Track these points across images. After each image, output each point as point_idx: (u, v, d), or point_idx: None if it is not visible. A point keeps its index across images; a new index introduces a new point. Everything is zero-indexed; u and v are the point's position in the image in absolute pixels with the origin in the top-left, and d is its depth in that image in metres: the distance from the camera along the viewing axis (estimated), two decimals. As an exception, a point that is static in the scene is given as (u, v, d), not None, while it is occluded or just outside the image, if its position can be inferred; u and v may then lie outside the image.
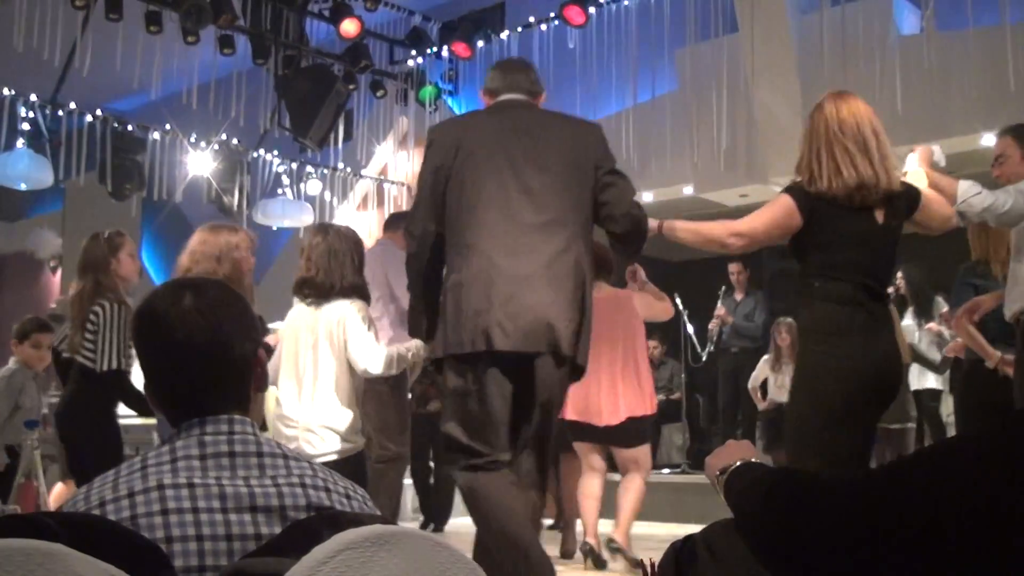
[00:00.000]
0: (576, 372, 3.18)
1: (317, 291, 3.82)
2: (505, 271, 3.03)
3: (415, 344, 3.82)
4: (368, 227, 11.31)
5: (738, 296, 8.77)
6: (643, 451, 5.18)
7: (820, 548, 1.06)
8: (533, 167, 3.19)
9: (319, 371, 3.77)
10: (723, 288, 8.80)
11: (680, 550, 1.44)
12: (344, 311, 3.79)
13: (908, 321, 6.78)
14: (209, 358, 1.45)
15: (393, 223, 5.36)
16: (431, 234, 3.22)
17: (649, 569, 1.91)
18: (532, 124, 3.34)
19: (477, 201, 3.13)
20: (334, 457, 3.71)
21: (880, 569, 0.98)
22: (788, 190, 3.38)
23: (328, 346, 3.77)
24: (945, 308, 6.30)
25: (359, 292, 3.86)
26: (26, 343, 5.64)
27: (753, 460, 1.41)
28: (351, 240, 3.93)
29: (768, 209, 3.38)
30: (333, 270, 3.81)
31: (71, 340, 4.10)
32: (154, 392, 1.49)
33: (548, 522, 6.32)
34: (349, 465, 3.69)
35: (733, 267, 8.61)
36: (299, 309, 3.90)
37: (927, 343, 6.76)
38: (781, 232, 3.34)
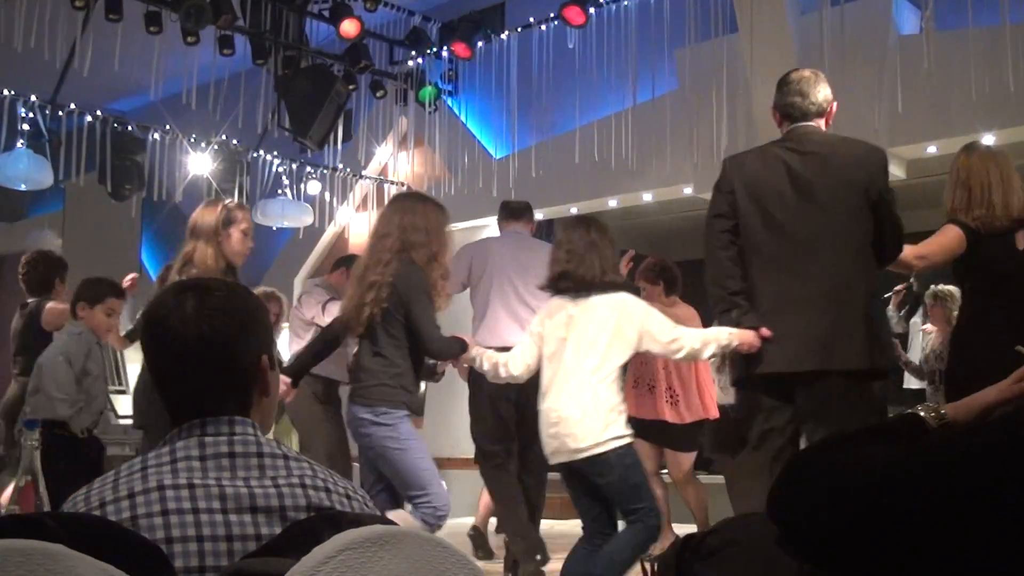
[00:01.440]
0: None
1: (577, 284, 3.76)
2: None
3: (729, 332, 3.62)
4: (367, 228, 11.32)
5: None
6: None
7: (844, 532, 1.06)
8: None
9: (585, 364, 3.70)
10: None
11: (681, 550, 1.44)
12: (625, 302, 3.75)
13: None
14: (208, 361, 1.45)
15: (339, 265, 6.00)
16: None
17: (644, 569, 1.91)
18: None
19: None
20: (601, 450, 3.63)
21: (906, 552, 0.99)
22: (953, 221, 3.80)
23: (595, 338, 3.70)
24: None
25: (625, 286, 3.88)
26: (99, 307, 5.04)
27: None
28: (609, 235, 3.89)
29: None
30: (595, 263, 3.76)
31: None
32: (160, 393, 1.50)
33: None
34: (615, 458, 3.64)
35: None
36: (559, 302, 3.84)
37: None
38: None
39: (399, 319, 3.82)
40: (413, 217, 3.92)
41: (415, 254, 3.85)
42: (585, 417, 3.65)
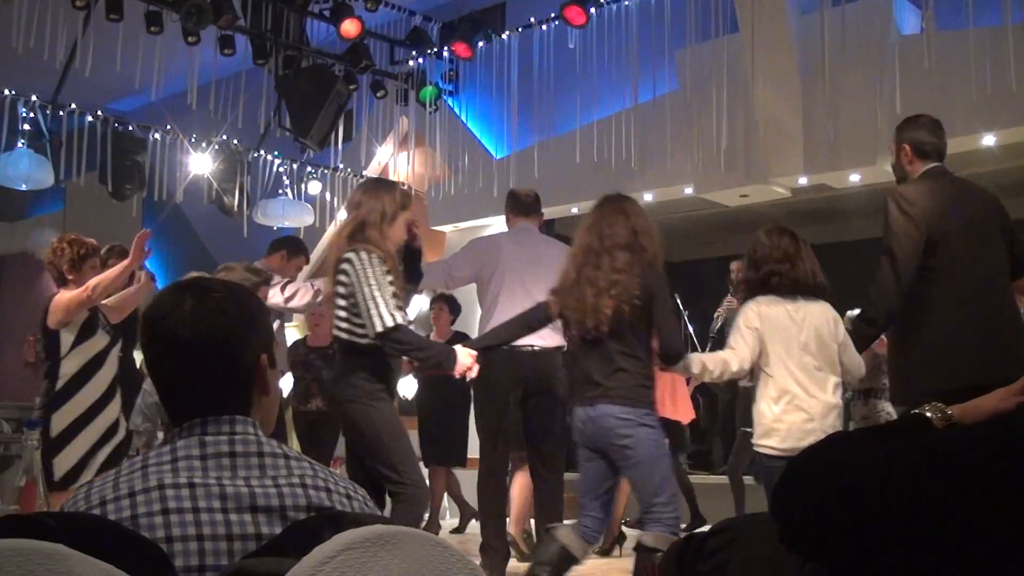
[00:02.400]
0: None
1: (791, 286, 3.88)
2: None
3: None
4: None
5: (739, 294, 8.74)
6: None
7: (842, 527, 1.06)
8: None
9: (815, 365, 3.82)
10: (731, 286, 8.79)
11: (681, 549, 1.44)
12: (832, 312, 3.90)
13: None
14: (208, 361, 1.45)
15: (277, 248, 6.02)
16: None
17: (644, 569, 1.91)
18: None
19: None
20: None
21: (908, 549, 0.98)
22: None
23: (818, 342, 3.83)
24: None
25: (825, 292, 3.97)
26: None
27: None
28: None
29: None
30: (807, 268, 3.89)
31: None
32: (160, 394, 1.51)
33: None
34: None
35: (734, 265, 8.59)
36: (772, 300, 3.89)
37: None
38: None
39: (645, 320, 3.81)
40: (643, 221, 3.93)
41: (648, 257, 3.85)
42: (827, 416, 3.81)
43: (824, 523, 1.08)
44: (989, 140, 7.39)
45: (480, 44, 9.60)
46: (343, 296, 3.83)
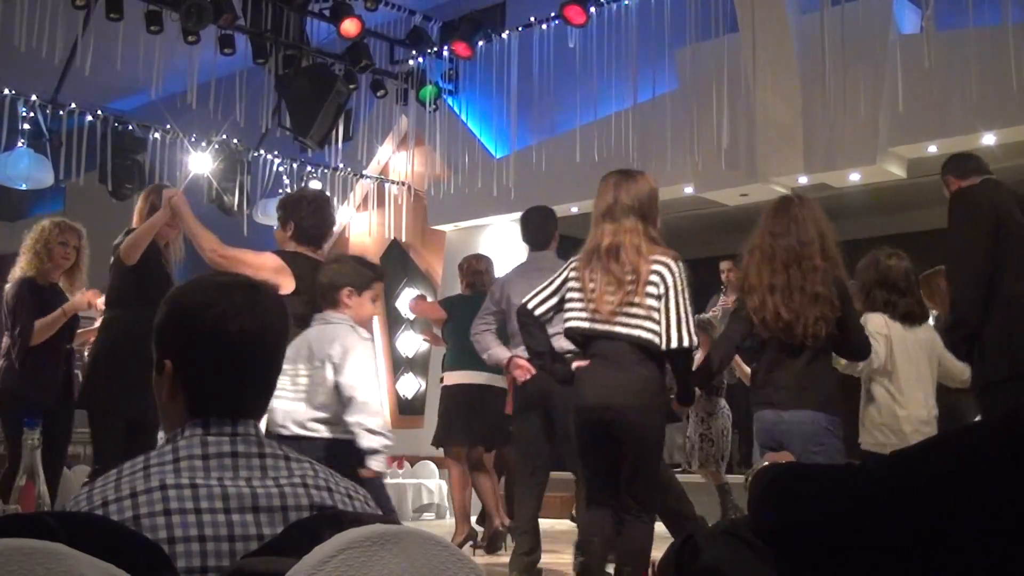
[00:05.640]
0: None
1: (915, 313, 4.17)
2: None
3: None
4: (367, 227, 11.32)
5: (731, 294, 8.75)
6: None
7: (820, 539, 1.06)
8: None
9: (921, 375, 4.12)
10: (723, 286, 8.79)
11: (680, 549, 1.44)
12: (933, 332, 4.26)
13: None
14: (256, 356, 1.44)
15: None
16: None
17: (649, 568, 1.91)
18: None
19: None
20: None
21: (882, 561, 0.98)
22: None
23: (928, 353, 4.16)
24: None
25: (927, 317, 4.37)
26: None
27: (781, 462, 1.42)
28: None
29: None
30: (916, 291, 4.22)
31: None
32: (187, 390, 1.43)
33: None
34: None
35: (724, 264, 8.58)
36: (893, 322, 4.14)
37: None
38: None
39: (835, 328, 3.84)
40: (828, 226, 3.94)
41: (838, 267, 3.90)
42: (930, 422, 4.10)
43: (796, 537, 1.09)
44: (989, 139, 7.39)
45: (480, 43, 9.60)
46: (654, 297, 3.72)
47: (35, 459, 2.05)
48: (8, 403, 4.91)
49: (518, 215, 10.88)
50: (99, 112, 9.01)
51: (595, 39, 8.60)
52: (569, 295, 3.81)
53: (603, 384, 3.68)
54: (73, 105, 8.81)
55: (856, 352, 3.93)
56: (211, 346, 1.42)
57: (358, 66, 9.21)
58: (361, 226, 11.46)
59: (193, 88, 8.57)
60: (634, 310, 3.69)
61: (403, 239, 11.04)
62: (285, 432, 3.47)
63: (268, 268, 3.97)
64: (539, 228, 5.10)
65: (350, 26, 8.81)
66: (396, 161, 11.29)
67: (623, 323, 3.69)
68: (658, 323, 3.68)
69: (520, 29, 9.43)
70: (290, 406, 3.52)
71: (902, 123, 7.53)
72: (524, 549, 4.86)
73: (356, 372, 3.49)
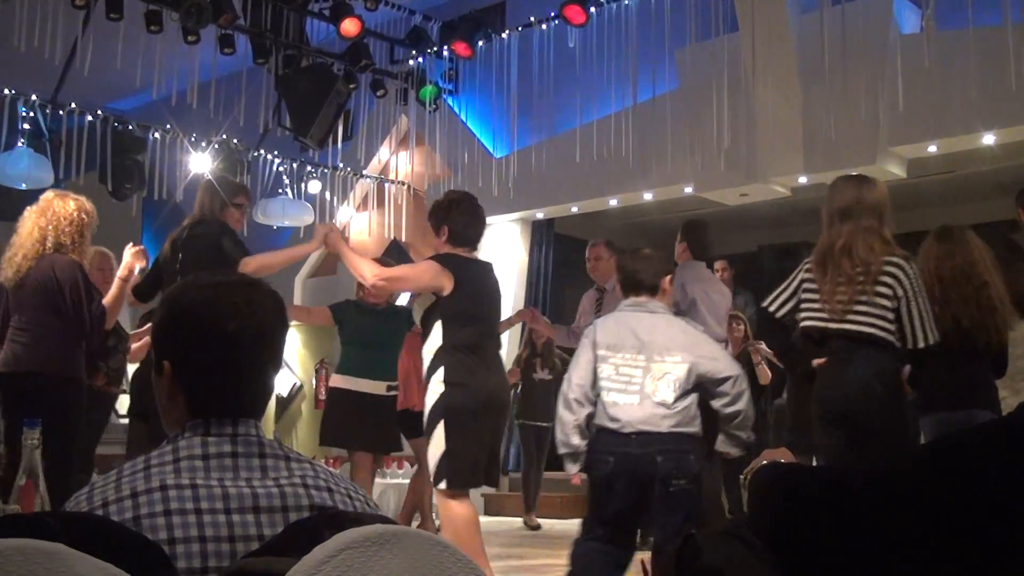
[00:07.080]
0: None
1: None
2: None
3: None
4: (367, 227, 11.32)
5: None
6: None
7: (820, 540, 1.06)
8: None
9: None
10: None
11: (681, 549, 1.44)
12: None
13: None
14: (257, 353, 1.43)
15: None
16: None
17: (643, 568, 1.91)
18: None
19: None
20: None
21: (883, 562, 0.98)
22: None
23: None
24: None
25: None
26: None
27: (781, 460, 1.42)
28: None
29: None
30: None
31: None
32: (189, 390, 1.42)
33: None
34: None
35: (718, 264, 8.57)
36: None
37: None
38: None
39: None
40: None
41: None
42: None
43: (803, 541, 1.09)
44: (989, 139, 7.39)
45: (480, 43, 9.60)
46: (887, 297, 3.77)
47: (35, 459, 2.05)
48: (72, 390, 4.44)
49: (518, 215, 10.92)
50: (99, 112, 9.01)
51: (595, 39, 8.60)
52: (805, 295, 3.88)
53: (837, 383, 3.74)
54: (73, 105, 8.81)
55: (1000, 372, 4.22)
56: (209, 346, 1.41)
57: (358, 66, 9.21)
58: (361, 226, 11.47)
59: (193, 88, 8.57)
60: (864, 308, 3.75)
61: (403, 239, 11.04)
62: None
63: (427, 276, 4.28)
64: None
65: (350, 26, 8.81)
66: (396, 161, 11.29)
67: (854, 320, 3.76)
68: (891, 322, 3.74)
69: (520, 29, 9.43)
70: None
71: (902, 123, 7.54)
72: None
73: None
